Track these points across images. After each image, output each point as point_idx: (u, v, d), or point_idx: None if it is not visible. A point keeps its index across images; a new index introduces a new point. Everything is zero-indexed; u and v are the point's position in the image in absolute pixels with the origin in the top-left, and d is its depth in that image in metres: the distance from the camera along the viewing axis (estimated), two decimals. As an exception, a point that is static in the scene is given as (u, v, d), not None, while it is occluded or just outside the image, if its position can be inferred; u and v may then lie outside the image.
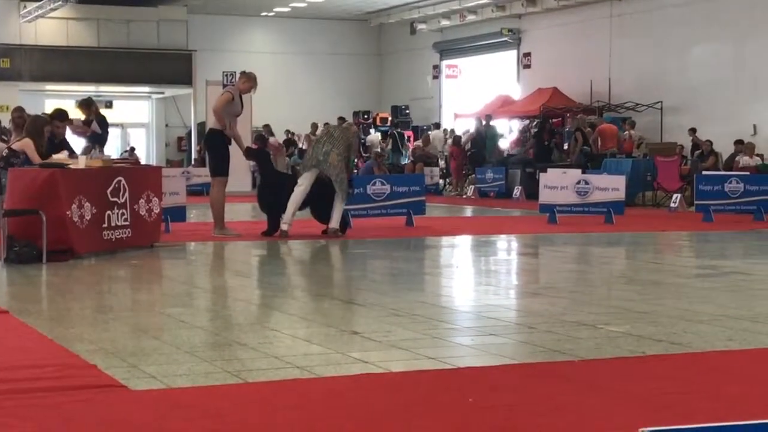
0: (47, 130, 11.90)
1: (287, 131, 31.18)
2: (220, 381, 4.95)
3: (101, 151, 13.51)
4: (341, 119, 25.89)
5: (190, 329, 6.47)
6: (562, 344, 5.89)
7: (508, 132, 29.25)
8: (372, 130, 32.56)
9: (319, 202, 13.44)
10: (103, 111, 16.62)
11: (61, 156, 11.07)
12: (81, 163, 10.89)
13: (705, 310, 7.21)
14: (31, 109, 16.45)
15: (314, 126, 29.04)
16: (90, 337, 6.07)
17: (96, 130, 14.42)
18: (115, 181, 11.03)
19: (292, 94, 35.38)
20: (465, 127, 30.03)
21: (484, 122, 27.87)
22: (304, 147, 28.90)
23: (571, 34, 29.25)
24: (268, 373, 5.11)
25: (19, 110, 13.10)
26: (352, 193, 14.02)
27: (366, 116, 33.40)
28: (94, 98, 16.46)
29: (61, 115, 12.76)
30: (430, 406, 4.50)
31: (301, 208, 13.53)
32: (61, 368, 5.14)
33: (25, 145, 11.24)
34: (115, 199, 11.01)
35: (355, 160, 24.30)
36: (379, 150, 28.88)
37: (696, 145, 23.67)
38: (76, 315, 7.26)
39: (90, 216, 10.53)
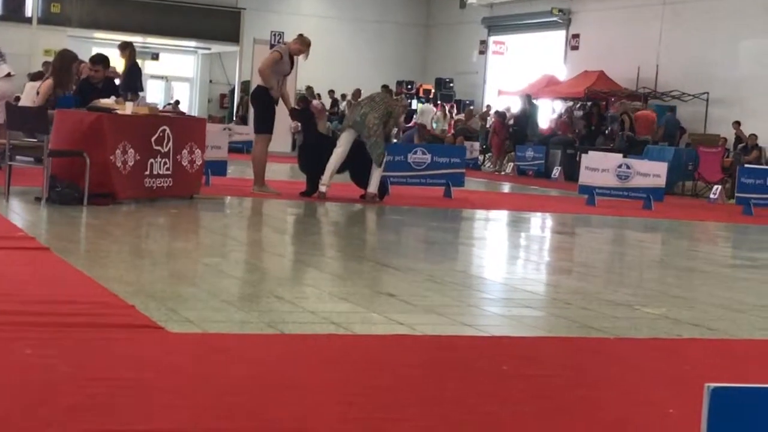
0: (82, 68, 11.86)
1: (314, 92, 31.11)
2: (257, 330, 4.97)
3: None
4: (385, 87, 25.80)
5: (227, 279, 6.51)
6: (598, 321, 5.87)
7: (551, 112, 29.08)
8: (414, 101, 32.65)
9: (359, 166, 13.43)
10: (149, 63, 16.43)
11: (108, 101, 11.10)
12: (128, 109, 10.93)
13: (743, 299, 7.16)
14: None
15: (357, 92, 28.99)
16: (128, 279, 6.10)
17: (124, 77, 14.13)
18: (159, 129, 11.07)
19: (336, 60, 35.22)
20: (508, 104, 29.92)
21: (527, 102, 27.83)
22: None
23: (622, 18, 28.95)
24: (304, 327, 5.12)
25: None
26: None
27: (409, 86, 33.31)
28: (140, 50, 16.26)
29: (101, 60, 12.25)
30: (464, 371, 4.49)
31: (341, 171, 13.55)
32: (100, 306, 5.18)
33: (42, 86, 11.29)
34: (159, 148, 11.05)
35: (395, 131, 24.29)
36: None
37: (739, 138, 23.46)
38: (115, 257, 7.31)
39: (133, 162, 10.59)
